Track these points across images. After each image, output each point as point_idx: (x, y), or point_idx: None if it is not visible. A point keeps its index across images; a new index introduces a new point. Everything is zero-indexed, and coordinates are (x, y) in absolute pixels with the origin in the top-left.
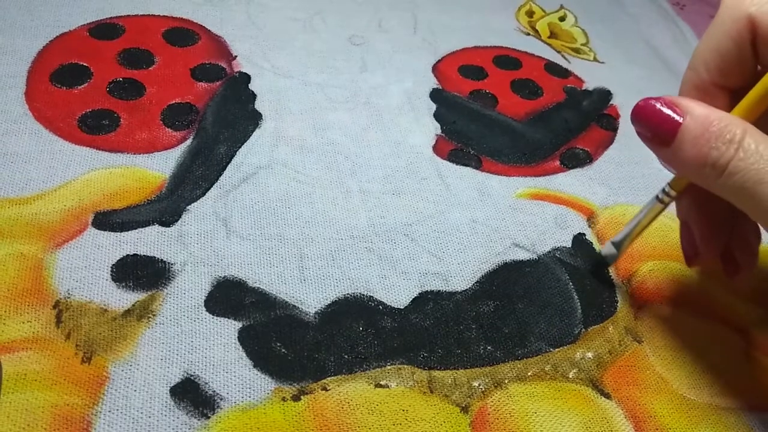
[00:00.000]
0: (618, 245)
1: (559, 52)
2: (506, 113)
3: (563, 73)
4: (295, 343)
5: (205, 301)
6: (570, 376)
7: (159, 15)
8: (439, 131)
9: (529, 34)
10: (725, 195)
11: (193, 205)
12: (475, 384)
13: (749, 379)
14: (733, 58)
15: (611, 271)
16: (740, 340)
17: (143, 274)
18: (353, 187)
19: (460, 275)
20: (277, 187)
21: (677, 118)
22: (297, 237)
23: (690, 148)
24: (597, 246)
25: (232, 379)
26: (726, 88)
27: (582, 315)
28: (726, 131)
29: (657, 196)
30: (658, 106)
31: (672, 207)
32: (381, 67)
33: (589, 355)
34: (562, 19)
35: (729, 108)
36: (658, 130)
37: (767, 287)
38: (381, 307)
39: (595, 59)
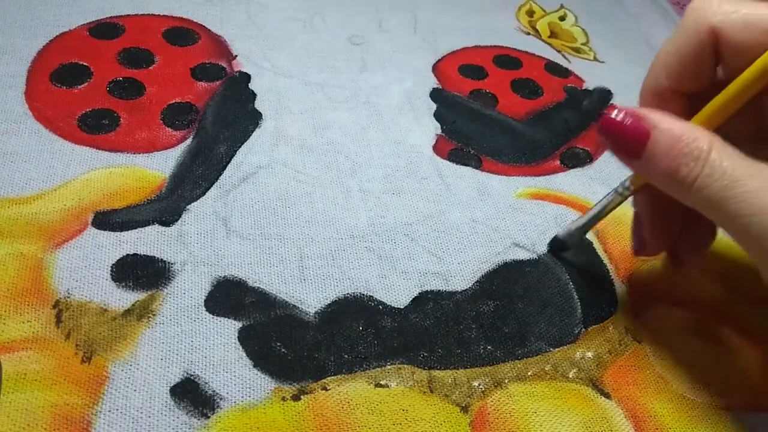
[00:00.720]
0: (577, 231)
1: (559, 51)
2: (506, 113)
3: (563, 72)
4: (295, 343)
5: (205, 300)
6: (570, 376)
7: (159, 14)
8: (439, 131)
9: (529, 34)
10: (694, 206)
11: (193, 204)
12: (475, 384)
13: (748, 380)
14: (693, 65)
15: (611, 271)
16: (740, 339)
17: (143, 273)
18: (353, 186)
19: (460, 275)
20: (277, 186)
21: (644, 132)
22: (297, 237)
23: (659, 163)
24: (597, 245)
25: (232, 378)
26: (683, 93)
27: (582, 315)
28: (693, 147)
29: (616, 189)
30: (626, 120)
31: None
32: (381, 66)
33: (589, 354)
34: (562, 18)
35: (684, 112)
36: (627, 145)
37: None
38: (381, 307)
39: (595, 59)
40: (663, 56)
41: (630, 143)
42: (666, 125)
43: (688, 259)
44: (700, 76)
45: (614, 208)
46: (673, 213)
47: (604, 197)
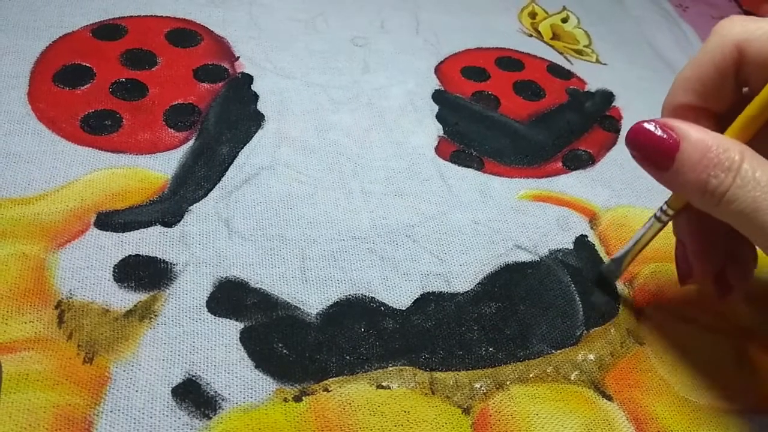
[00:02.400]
0: (618, 262)
1: (561, 53)
2: (509, 115)
3: (566, 74)
4: (297, 344)
5: (206, 301)
6: (572, 378)
7: (162, 16)
8: (441, 132)
9: (531, 36)
10: (725, 219)
11: (195, 205)
12: (477, 385)
13: (751, 382)
14: (716, 83)
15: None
16: (742, 342)
17: (145, 274)
18: (355, 188)
19: (462, 276)
20: (279, 187)
21: (674, 142)
22: (299, 238)
23: (688, 174)
24: (599, 248)
25: (233, 379)
26: (708, 110)
27: (584, 317)
28: (724, 158)
29: (655, 215)
30: (654, 130)
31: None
32: (383, 68)
33: (591, 357)
34: (564, 20)
35: (710, 128)
36: (655, 156)
37: (763, 292)
38: (383, 309)
39: (597, 61)
40: (686, 74)
41: (659, 154)
42: (696, 135)
43: (736, 282)
44: (723, 94)
45: (655, 235)
46: (716, 235)
47: (643, 225)
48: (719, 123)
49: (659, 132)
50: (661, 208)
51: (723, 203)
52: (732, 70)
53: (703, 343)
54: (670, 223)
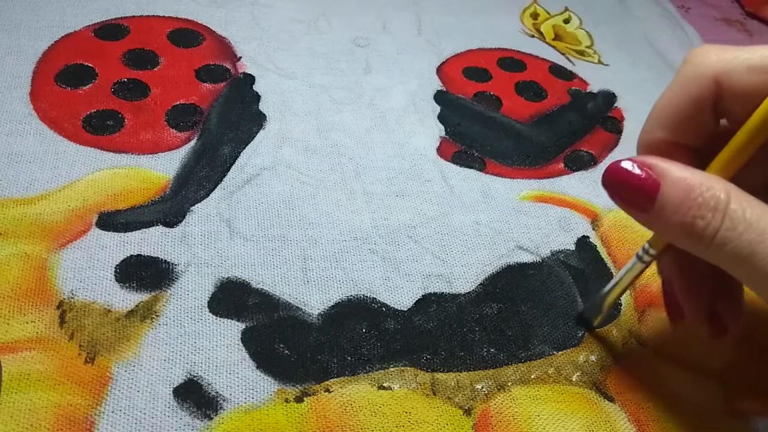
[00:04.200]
0: (599, 302)
1: (563, 54)
2: (510, 115)
3: (568, 75)
4: (298, 345)
5: (208, 302)
6: (573, 379)
7: (164, 16)
8: (443, 133)
9: (533, 36)
10: (716, 263)
11: (196, 206)
12: (478, 386)
13: (752, 383)
14: (693, 116)
15: (614, 273)
16: (743, 342)
17: (147, 274)
18: (357, 188)
19: (464, 277)
20: (280, 188)
21: (653, 182)
22: (300, 238)
23: (671, 216)
24: (601, 249)
25: (235, 380)
26: (685, 146)
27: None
28: (709, 197)
29: (637, 255)
30: (632, 169)
31: None
32: (385, 68)
33: (593, 358)
34: (566, 21)
35: (688, 164)
36: (634, 197)
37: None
38: (384, 309)
39: (599, 61)
40: (661, 107)
41: (638, 195)
42: (677, 174)
43: (730, 319)
44: (700, 127)
45: (638, 276)
46: (704, 273)
47: (625, 267)
48: (697, 158)
49: (637, 171)
50: (643, 248)
51: (713, 246)
52: (710, 104)
53: (704, 344)
54: None
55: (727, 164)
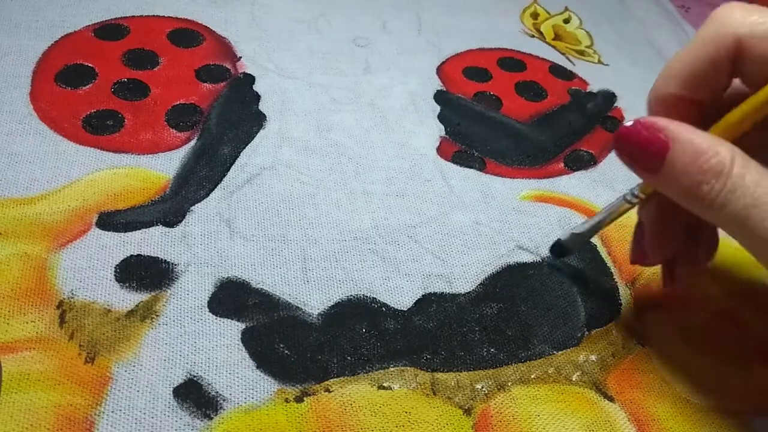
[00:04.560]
0: (580, 236)
1: (563, 54)
2: (510, 115)
3: (568, 75)
4: (298, 345)
5: (208, 302)
6: (573, 379)
7: (164, 16)
8: (443, 133)
9: (533, 36)
10: (716, 224)
11: (196, 205)
12: (478, 386)
13: (753, 383)
14: (709, 74)
15: (615, 274)
16: (743, 342)
17: (147, 274)
18: (357, 188)
19: (464, 277)
20: (280, 188)
21: (663, 144)
22: (300, 238)
23: (679, 178)
24: (601, 249)
25: (235, 380)
26: (693, 101)
27: (585, 318)
28: (715, 162)
29: (624, 196)
30: (642, 131)
31: None
32: (385, 68)
33: (593, 357)
34: (566, 21)
35: (695, 121)
36: (643, 158)
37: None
38: (384, 309)
39: (599, 61)
40: (676, 63)
41: (647, 157)
42: (686, 137)
43: (680, 277)
44: (714, 85)
45: (621, 215)
46: (677, 226)
47: (611, 204)
48: (704, 112)
49: (647, 133)
50: (631, 191)
51: (714, 208)
52: (728, 64)
53: (704, 344)
54: None
55: (737, 125)
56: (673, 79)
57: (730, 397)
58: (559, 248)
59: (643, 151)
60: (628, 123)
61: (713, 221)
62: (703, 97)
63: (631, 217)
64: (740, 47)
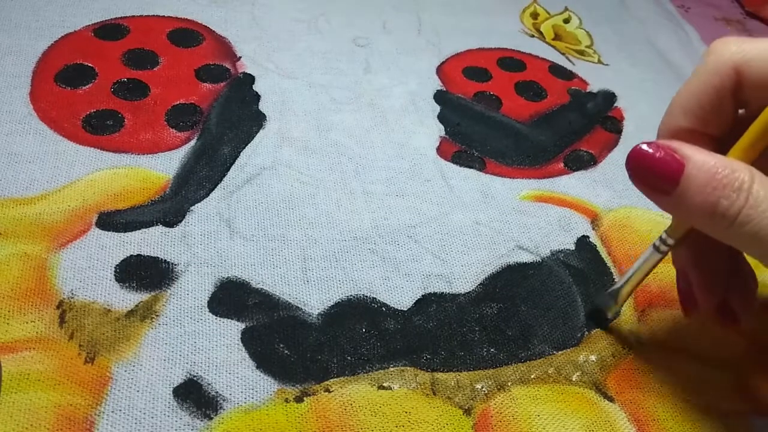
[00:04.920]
0: (615, 294)
1: (563, 54)
2: (510, 115)
3: (567, 75)
4: (298, 345)
5: (208, 301)
6: (573, 379)
7: (164, 16)
8: (443, 133)
9: (533, 36)
10: (735, 243)
11: (196, 205)
12: (478, 386)
13: (752, 383)
14: (714, 106)
15: (615, 274)
16: (743, 342)
17: (147, 274)
18: (357, 188)
19: (464, 277)
20: (280, 188)
21: (678, 165)
22: (300, 238)
23: (696, 197)
24: (600, 249)
25: (235, 380)
26: (706, 134)
27: (585, 318)
28: (734, 178)
29: (654, 245)
30: (656, 153)
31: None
32: (385, 68)
33: (593, 358)
34: (566, 21)
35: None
36: (657, 180)
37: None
38: (384, 309)
39: (599, 61)
40: (682, 97)
41: (662, 178)
42: (701, 157)
43: (740, 307)
44: (721, 117)
45: (654, 266)
46: (719, 263)
47: (642, 256)
48: (717, 148)
49: (662, 154)
50: (660, 238)
51: (735, 225)
52: (730, 93)
53: (704, 345)
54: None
55: (746, 151)
56: (681, 112)
57: (729, 398)
58: (596, 316)
59: (657, 173)
60: (640, 145)
61: (733, 240)
62: (711, 131)
63: (631, 217)
64: (739, 75)
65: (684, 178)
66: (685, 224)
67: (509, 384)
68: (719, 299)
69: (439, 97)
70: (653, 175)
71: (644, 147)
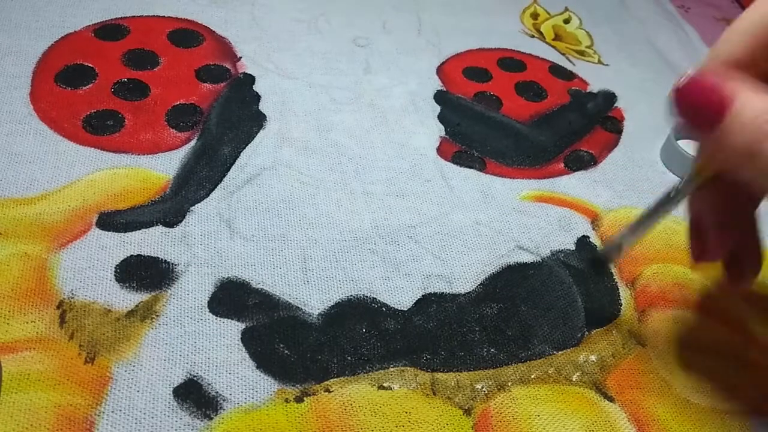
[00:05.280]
0: (624, 241)
1: (563, 54)
2: (511, 115)
3: (568, 75)
4: (298, 345)
5: (208, 302)
6: (573, 379)
7: (164, 16)
8: (443, 133)
9: (533, 37)
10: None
11: (196, 205)
12: (478, 386)
13: (752, 383)
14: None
15: (615, 274)
16: (743, 343)
17: (147, 274)
18: (357, 188)
19: (464, 277)
20: (280, 188)
21: (727, 98)
22: (300, 238)
23: (740, 134)
24: (601, 249)
25: (235, 380)
26: (755, 69)
27: (585, 318)
28: None
29: (668, 193)
30: (707, 84)
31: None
32: (385, 68)
33: (593, 358)
34: (566, 21)
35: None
36: (705, 113)
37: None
38: (384, 309)
39: (599, 61)
40: (744, 22)
41: (709, 110)
42: (752, 92)
43: (749, 264)
44: None
45: (665, 213)
46: (736, 210)
47: (654, 203)
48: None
49: (713, 84)
50: (675, 186)
51: None
52: None
53: (704, 345)
54: (664, 220)
55: None
56: (734, 43)
57: (729, 398)
58: (598, 261)
59: (707, 102)
60: (690, 76)
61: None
62: (763, 64)
63: (631, 217)
64: None
65: (730, 115)
66: (715, 164)
67: (509, 384)
68: (728, 248)
69: (439, 97)
70: (702, 105)
71: (696, 77)
